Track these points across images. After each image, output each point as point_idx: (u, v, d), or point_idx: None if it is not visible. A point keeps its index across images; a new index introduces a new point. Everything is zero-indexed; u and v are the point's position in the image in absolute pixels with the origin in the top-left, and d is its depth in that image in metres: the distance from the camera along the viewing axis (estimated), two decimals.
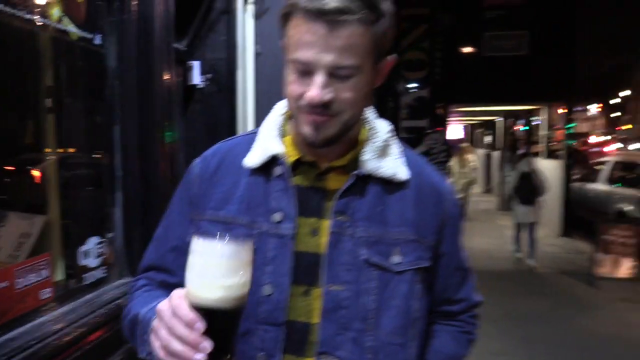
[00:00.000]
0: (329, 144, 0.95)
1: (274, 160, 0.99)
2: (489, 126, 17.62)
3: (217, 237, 0.79)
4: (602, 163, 10.67)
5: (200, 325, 0.76)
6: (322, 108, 0.90)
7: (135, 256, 1.81)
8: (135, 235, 1.88)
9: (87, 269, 1.73)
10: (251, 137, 1.06)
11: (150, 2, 1.92)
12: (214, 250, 0.78)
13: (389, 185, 1.00)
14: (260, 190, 1.00)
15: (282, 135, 1.03)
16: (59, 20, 1.58)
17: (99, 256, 1.78)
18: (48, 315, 1.48)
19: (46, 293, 1.50)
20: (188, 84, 2.81)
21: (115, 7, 1.83)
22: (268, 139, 1.02)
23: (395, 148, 1.05)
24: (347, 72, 0.89)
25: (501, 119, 14.41)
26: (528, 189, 7.31)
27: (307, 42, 0.87)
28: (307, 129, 0.93)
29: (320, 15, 0.85)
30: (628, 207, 8.69)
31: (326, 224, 0.97)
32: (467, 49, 10.17)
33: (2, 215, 1.64)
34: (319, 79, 0.88)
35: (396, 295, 0.99)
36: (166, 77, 2.00)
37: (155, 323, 0.82)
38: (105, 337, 1.60)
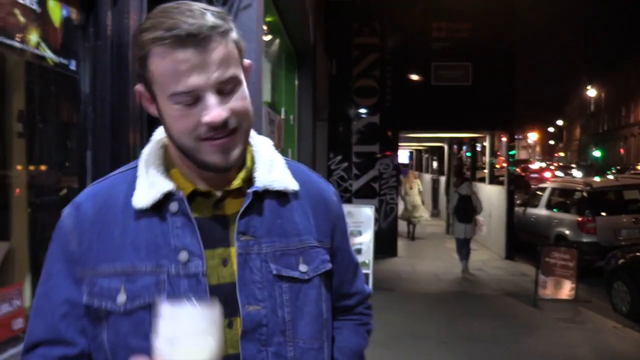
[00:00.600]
0: (236, 164, 0.95)
1: (167, 197, 0.94)
2: (436, 152, 18.20)
3: (185, 300, 0.79)
4: (542, 189, 11.21)
5: None
6: (223, 128, 0.89)
7: None
8: None
9: None
10: (129, 174, 1.00)
11: (124, 28, 1.94)
12: (184, 314, 0.77)
13: (282, 198, 1.02)
14: (157, 231, 0.93)
15: (167, 168, 0.98)
16: (37, 46, 1.57)
17: None
18: (21, 346, 1.43)
19: (19, 323, 1.46)
20: None
21: (90, 33, 1.84)
22: (154, 176, 0.96)
23: (281, 161, 1.06)
24: (231, 86, 0.90)
25: (447, 145, 14.92)
26: (466, 209, 8.55)
27: (185, 70, 0.85)
28: (215, 157, 0.91)
29: (188, 39, 0.84)
30: (567, 231, 9.17)
31: (234, 250, 0.96)
32: (415, 78, 10.54)
33: None
34: (212, 99, 0.87)
35: (308, 302, 1.01)
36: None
37: None
38: None
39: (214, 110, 0.87)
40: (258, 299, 0.95)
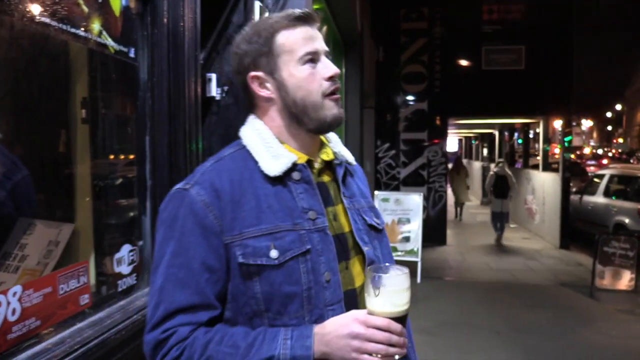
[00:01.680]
0: (340, 124, 1.17)
1: (292, 167, 1.12)
2: (486, 139, 17.76)
3: (389, 271, 1.04)
4: (600, 176, 10.76)
5: (405, 331, 1.01)
6: (336, 82, 1.14)
7: None
8: None
9: (120, 276, 1.76)
10: (238, 153, 1.15)
11: (179, 16, 1.98)
12: (399, 281, 1.02)
13: (349, 169, 1.27)
14: (285, 197, 1.11)
15: (281, 144, 1.16)
16: (99, 34, 1.63)
17: (130, 263, 1.81)
18: (87, 320, 1.51)
19: (85, 299, 1.53)
20: (206, 95, 2.86)
21: (147, 22, 1.89)
22: (277, 149, 1.13)
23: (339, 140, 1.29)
24: (329, 55, 1.16)
25: (497, 132, 14.53)
26: (502, 187, 10.08)
27: (309, 37, 1.13)
28: (335, 110, 1.14)
29: (304, 17, 1.14)
30: (627, 220, 8.79)
31: (339, 208, 1.19)
32: (465, 63, 10.30)
33: (30, 223, 1.67)
34: (326, 60, 1.15)
35: (385, 245, 1.26)
36: (193, 89, 2.05)
37: (356, 343, 0.98)
38: (139, 342, 1.63)
39: (331, 65, 1.14)
40: (366, 242, 1.19)
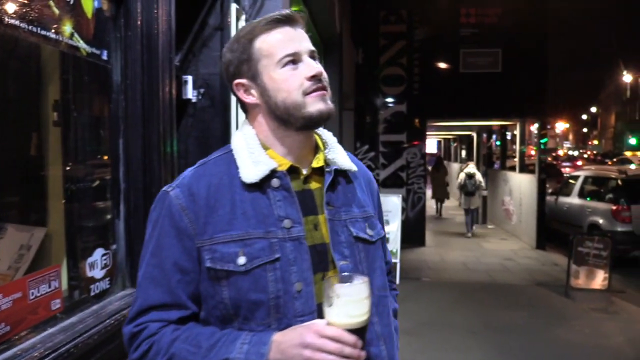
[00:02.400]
0: (331, 115, 1.14)
1: (270, 174, 1.11)
2: (464, 140, 17.95)
3: (352, 280, 1.02)
4: (575, 177, 10.97)
5: (360, 343, 0.99)
6: (321, 80, 1.12)
7: (137, 268, 1.83)
8: (136, 246, 1.90)
9: (93, 280, 1.75)
10: (223, 157, 1.15)
11: (154, 19, 1.97)
12: (355, 291, 1.00)
13: (347, 176, 1.22)
14: (262, 204, 1.09)
15: (264, 150, 1.15)
16: (70, 36, 1.61)
17: (103, 267, 1.80)
18: (58, 326, 1.49)
19: (56, 304, 1.52)
20: (182, 98, 2.85)
21: (121, 24, 1.88)
22: (258, 155, 1.12)
23: (341, 147, 1.25)
24: (315, 54, 1.14)
25: (476, 134, 14.70)
26: (471, 186, 11.04)
27: (286, 39, 1.12)
28: (320, 105, 1.11)
29: (284, 19, 1.12)
30: (601, 220, 8.97)
31: (322, 218, 1.15)
32: (443, 65, 10.40)
33: (0, 227, 1.65)
34: (309, 60, 1.12)
35: (376, 259, 1.22)
36: (168, 91, 2.04)
37: (307, 353, 0.97)
38: (111, 348, 1.62)
39: (313, 65, 1.12)
40: (345, 255, 1.15)
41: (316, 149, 1.20)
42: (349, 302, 0.98)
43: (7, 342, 1.32)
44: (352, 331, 0.98)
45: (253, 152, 1.12)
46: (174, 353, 1.03)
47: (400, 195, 7.62)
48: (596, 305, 6.24)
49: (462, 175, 11.20)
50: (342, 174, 1.21)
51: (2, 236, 1.70)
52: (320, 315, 1.07)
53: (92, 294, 1.74)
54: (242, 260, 1.06)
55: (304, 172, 1.16)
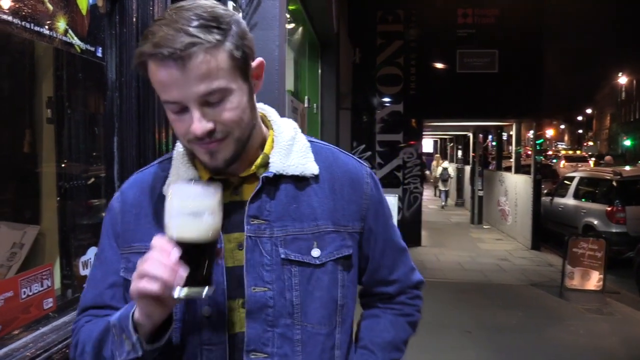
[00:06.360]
0: (232, 163, 0.97)
1: None
2: (461, 141, 17.97)
3: (191, 182, 0.93)
4: (570, 178, 11.00)
5: (176, 252, 0.85)
6: (209, 137, 0.91)
7: None
8: None
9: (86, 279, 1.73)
10: (165, 164, 1.08)
11: (149, 15, 1.95)
12: (184, 191, 0.89)
13: (299, 182, 1.03)
14: None
15: (193, 158, 1.03)
16: (65, 33, 1.60)
17: None
18: (51, 325, 1.48)
19: (49, 303, 1.50)
20: None
21: (116, 20, 1.86)
22: (181, 165, 1.03)
23: (302, 145, 1.07)
24: (217, 97, 0.89)
25: (472, 134, 14.71)
26: (446, 175, 16.24)
27: (168, 83, 0.88)
28: (205, 158, 0.95)
29: (169, 56, 0.85)
30: (595, 221, 9.00)
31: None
32: (440, 65, 10.40)
33: None
34: (195, 113, 0.89)
35: (319, 287, 1.01)
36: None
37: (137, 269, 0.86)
38: None
39: (195, 124, 0.89)
40: (266, 281, 0.98)
41: (262, 149, 1.04)
42: (179, 208, 0.87)
43: None
44: (180, 244, 0.85)
45: (180, 162, 1.04)
46: (85, 338, 1.02)
47: (397, 195, 7.62)
48: (591, 306, 6.26)
49: (440, 169, 16.54)
50: (291, 180, 1.02)
51: None
52: (236, 347, 0.97)
53: None
54: None
55: (234, 181, 1.02)
